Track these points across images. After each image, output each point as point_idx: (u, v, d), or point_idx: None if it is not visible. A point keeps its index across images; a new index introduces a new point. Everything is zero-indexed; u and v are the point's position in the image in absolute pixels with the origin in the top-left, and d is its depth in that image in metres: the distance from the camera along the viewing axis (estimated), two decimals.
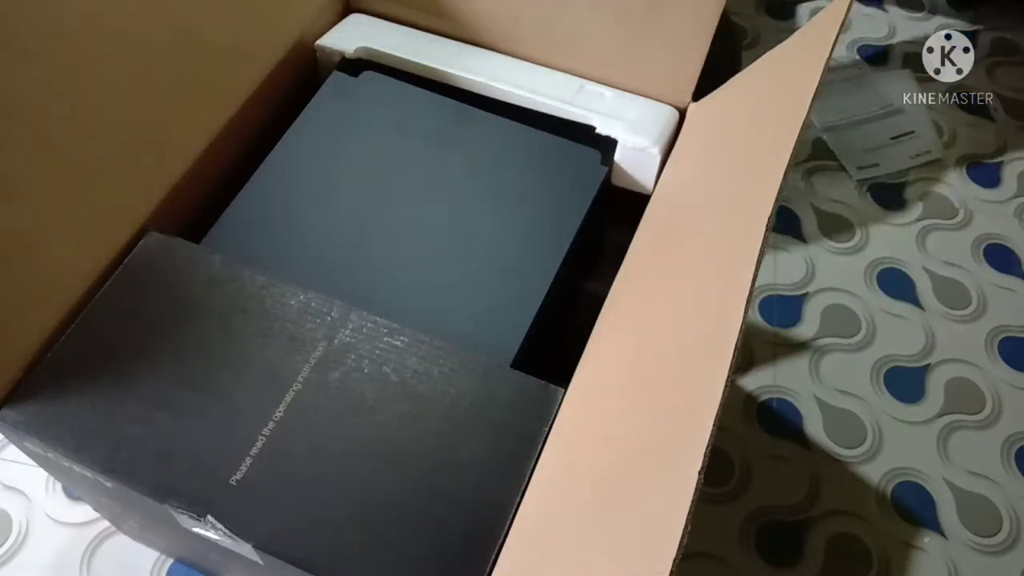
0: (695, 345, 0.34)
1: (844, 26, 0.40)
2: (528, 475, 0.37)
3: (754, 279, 0.31)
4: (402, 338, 0.42)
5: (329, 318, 0.42)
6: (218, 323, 0.41)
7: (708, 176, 0.47)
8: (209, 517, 0.36)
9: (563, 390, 0.40)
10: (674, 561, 0.23)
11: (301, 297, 0.43)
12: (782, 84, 0.44)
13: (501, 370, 0.41)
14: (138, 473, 0.37)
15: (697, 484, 0.25)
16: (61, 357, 0.40)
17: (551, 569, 0.32)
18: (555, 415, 0.39)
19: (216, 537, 0.37)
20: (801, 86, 0.38)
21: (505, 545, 0.36)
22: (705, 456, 0.26)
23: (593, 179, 0.54)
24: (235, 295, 0.43)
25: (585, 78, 0.60)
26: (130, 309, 0.42)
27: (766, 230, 0.32)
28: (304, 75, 0.62)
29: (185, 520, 0.38)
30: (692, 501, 0.25)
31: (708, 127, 0.52)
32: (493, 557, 0.35)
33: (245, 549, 0.37)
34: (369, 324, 0.42)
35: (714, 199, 0.43)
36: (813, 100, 0.36)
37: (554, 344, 0.50)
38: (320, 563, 0.35)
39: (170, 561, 0.61)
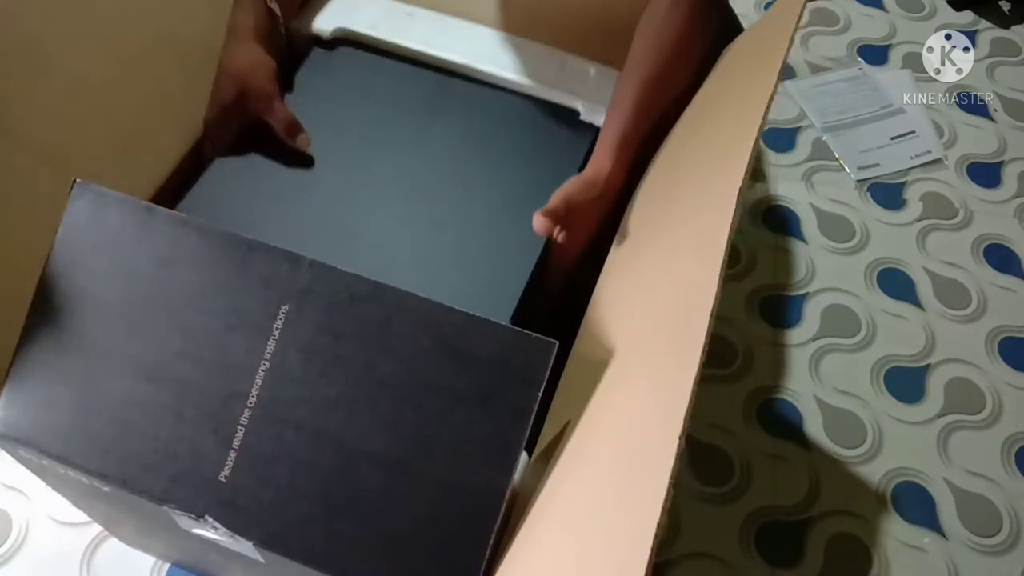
0: (672, 326, 0.34)
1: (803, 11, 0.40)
2: (520, 452, 0.35)
3: (726, 253, 0.31)
4: (370, 293, 0.37)
5: (288, 280, 0.37)
6: (166, 299, 0.38)
7: (682, 161, 0.47)
8: (207, 517, 0.36)
9: (556, 343, 0.36)
10: (658, 524, 0.23)
11: (256, 256, 0.38)
12: (748, 69, 0.44)
13: (488, 324, 0.36)
14: (132, 476, 0.37)
15: (679, 449, 0.25)
16: (31, 356, 0.39)
17: (539, 555, 0.32)
18: (548, 375, 0.36)
19: (216, 537, 0.37)
20: (766, 67, 0.38)
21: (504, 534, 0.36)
22: (681, 439, 0.26)
23: (581, 145, 0.53)
24: (178, 262, 0.38)
25: (568, 52, 0.58)
26: (75, 289, 0.39)
27: (735, 212, 0.32)
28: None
29: (184, 521, 0.38)
30: (674, 467, 0.25)
31: (684, 117, 0.52)
32: (491, 542, 0.35)
33: (246, 547, 0.37)
34: (332, 283, 0.37)
35: (688, 183, 0.43)
36: (779, 74, 0.36)
37: (546, 324, 0.49)
38: (322, 558, 0.35)
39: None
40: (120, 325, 0.38)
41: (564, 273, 0.53)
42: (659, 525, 0.23)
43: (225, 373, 0.37)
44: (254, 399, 0.37)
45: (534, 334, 0.36)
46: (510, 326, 0.36)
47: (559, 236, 0.52)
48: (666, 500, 0.24)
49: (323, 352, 0.37)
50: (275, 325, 0.37)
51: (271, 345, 0.37)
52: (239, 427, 0.37)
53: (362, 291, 0.37)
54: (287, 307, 0.37)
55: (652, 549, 0.23)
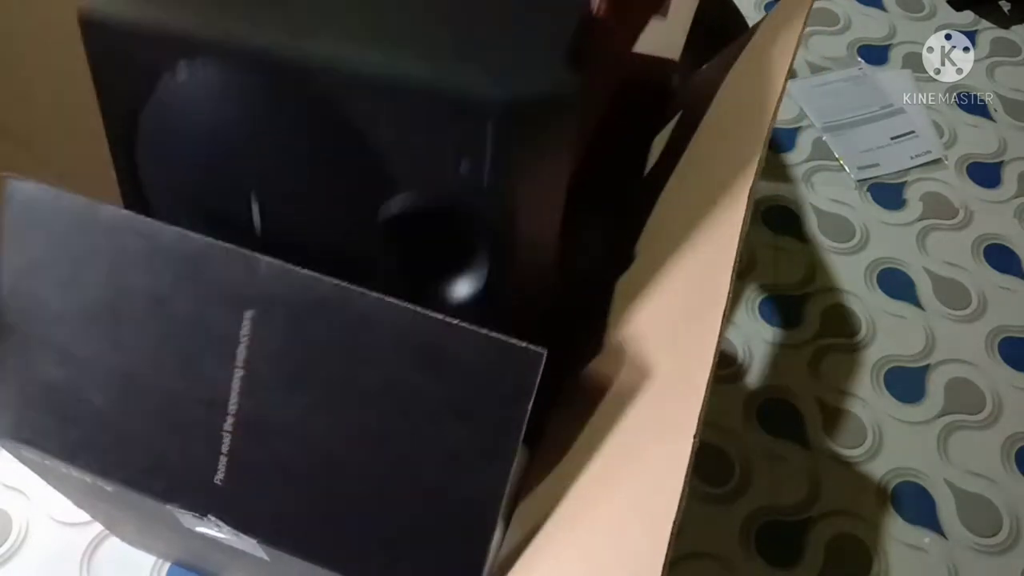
0: (682, 324, 0.34)
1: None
2: (512, 462, 0.34)
3: (739, 252, 0.31)
4: (336, 299, 0.35)
5: (246, 283, 0.35)
6: (124, 306, 0.36)
7: (688, 159, 0.47)
8: (211, 516, 0.36)
9: (544, 351, 0.33)
10: (674, 523, 0.23)
11: (208, 259, 0.36)
12: (756, 65, 0.44)
13: (470, 332, 0.34)
14: (135, 476, 0.37)
15: (693, 448, 0.25)
16: (10, 364, 0.38)
17: (550, 549, 0.32)
18: (537, 384, 0.33)
19: (220, 535, 0.37)
20: (774, 63, 0.38)
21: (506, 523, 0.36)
22: (699, 421, 0.26)
23: None
24: (130, 267, 0.36)
25: None
26: (35, 300, 0.37)
27: (747, 208, 0.32)
28: None
29: (188, 519, 0.38)
30: (688, 467, 0.25)
31: (686, 111, 0.52)
32: (493, 536, 0.34)
33: (250, 545, 0.37)
34: (293, 286, 0.35)
35: (696, 181, 0.43)
36: (786, 78, 0.36)
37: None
38: (328, 554, 0.35)
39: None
40: (88, 336, 0.36)
41: (610, 67, 0.44)
42: (673, 529, 0.23)
43: (202, 381, 0.36)
44: (235, 405, 0.35)
45: (520, 343, 0.33)
46: (494, 334, 0.33)
47: (601, 6, 0.43)
48: (681, 503, 0.24)
49: (296, 361, 0.35)
50: (242, 332, 0.35)
51: (242, 352, 0.35)
52: (224, 433, 0.36)
53: (327, 295, 0.34)
54: (251, 312, 0.35)
55: (667, 556, 0.23)
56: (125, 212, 0.36)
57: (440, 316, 0.33)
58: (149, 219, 0.36)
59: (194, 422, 0.36)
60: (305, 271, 0.34)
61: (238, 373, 0.35)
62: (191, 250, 0.35)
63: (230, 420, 0.36)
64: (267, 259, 0.35)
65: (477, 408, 0.34)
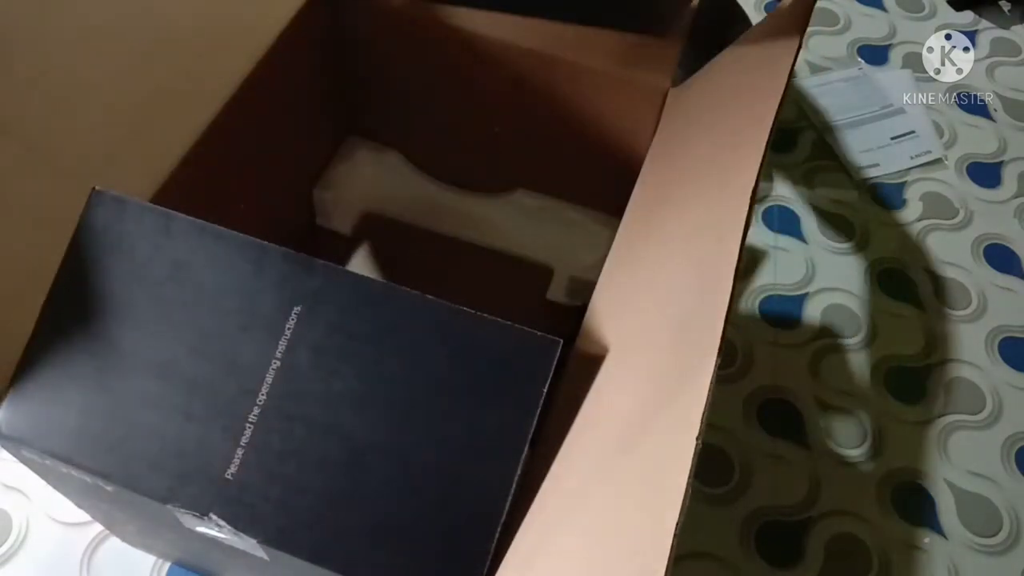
0: (684, 322, 0.34)
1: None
2: (526, 446, 0.36)
3: (742, 250, 0.31)
4: (381, 296, 0.38)
5: (301, 282, 0.38)
6: (180, 300, 0.39)
7: (690, 158, 0.47)
8: (212, 515, 0.36)
9: (560, 341, 0.37)
10: (677, 524, 0.23)
11: (270, 260, 0.39)
12: (759, 64, 0.44)
13: (495, 323, 0.37)
14: (136, 475, 0.37)
15: (696, 449, 0.25)
16: (39, 357, 0.39)
17: (551, 548, 0.33)
18: (553, 371, 0.36)
19: (220, 535, 0.37)
20: (777, 63, 0.38)
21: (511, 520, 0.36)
22: (702, 422, 0.26)
23: None
24: (194, 265, 0.39)
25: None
26: (90, 290, 0.39)
27: (750, 208, 0.33)
28: (293, 67, 0.61)
29: (188, 520, 0.38)
30: (691, 468, 0.25)
31: (688, 111, 0.52)
32: (497, 535, 0.35)
33: (250, 545, 0.37)
34: (345, 286, 0.38)
35: (697, 180, 0.43)
36: (790, 76, 0.36)
37: None
38: (326, 554, 0.35)
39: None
40: (133, 324, 0.39)
41: None
42: (676, 530, 0.23)
43: (236, 371, 0.38)
44: (264, 396, 0.37)
45: (539, 333, 0.37)
46: (516, 325, 0.37)
47: None
48: (684, 503, 0.24)
49: (334, 351, 0.37)
50: (287, 325, 0.38)
51: (283, 344, 0.38)
52: (248, 424, 0.37)
53: (374, 294, 0.38)
54: (299, 308, 0.38)
55: (670, 557, 0.23)
56: (196, 220, 0.39)
57: (470, 310, 0.37)
58: (218, 226, 0.39)
59: (220, 412, 0.37)
60: (356, 273, 0.38)
61: (274, 364, 0.38)
62: (256, 251, 0.39)
63: (257, 411, 0.37)
64: (323, 262, 0.38)
65: (497, 390, 0.37)
